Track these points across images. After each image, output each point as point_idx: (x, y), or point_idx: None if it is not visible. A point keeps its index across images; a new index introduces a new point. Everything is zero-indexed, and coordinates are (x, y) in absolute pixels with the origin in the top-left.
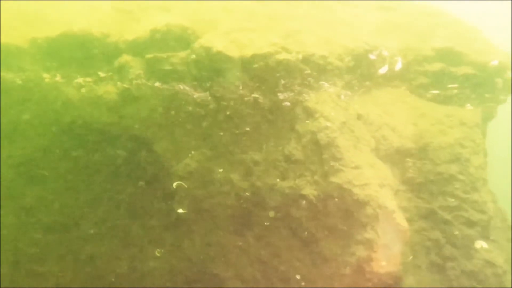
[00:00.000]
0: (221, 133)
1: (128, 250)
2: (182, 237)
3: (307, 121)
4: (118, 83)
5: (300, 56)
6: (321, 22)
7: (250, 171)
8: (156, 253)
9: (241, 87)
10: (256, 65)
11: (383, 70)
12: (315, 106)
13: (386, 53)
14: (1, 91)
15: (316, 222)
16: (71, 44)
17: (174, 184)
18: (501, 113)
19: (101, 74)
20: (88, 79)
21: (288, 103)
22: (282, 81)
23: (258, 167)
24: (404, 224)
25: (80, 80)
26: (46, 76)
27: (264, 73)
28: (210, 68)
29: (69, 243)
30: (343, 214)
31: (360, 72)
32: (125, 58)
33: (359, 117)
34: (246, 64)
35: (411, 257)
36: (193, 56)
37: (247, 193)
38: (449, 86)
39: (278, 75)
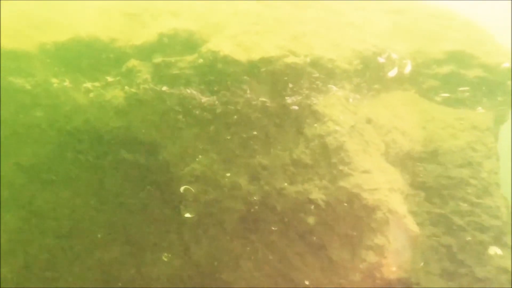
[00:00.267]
0: (229, 137)
1: (135, 254)
2: (189, 242)
3: (316, 125)
4: (126, 87)
5: (308, 60)
6: (329, 25)
7: (257, 175)
8: (163, 257)
9: (248, 91)
10: (263, 69)
11: (392, 73)
12: (323, 109)
13: (395, 56)
14: (10, 96)
15: (325, 227)
16: (79, 49)
17: (182, 189)
18: None
19: (109, 78)
20: (96, 83)
21: (296, 107)
22: (290, 85)
23: (265, 171)
24: (415, 229)
25: (88, 84)
26: (54, 81)
27: (272, 76)
28: (218, 72)
29: (78, 248)
30: (352, 219)
31: (369, 75)
32: (133, 62)
33: (368, 120)
34: (253, 67)
35: (422, 263)
36: (201, 60)
37: (254, 198)
38: (460, 89)
39: (286, 78)
